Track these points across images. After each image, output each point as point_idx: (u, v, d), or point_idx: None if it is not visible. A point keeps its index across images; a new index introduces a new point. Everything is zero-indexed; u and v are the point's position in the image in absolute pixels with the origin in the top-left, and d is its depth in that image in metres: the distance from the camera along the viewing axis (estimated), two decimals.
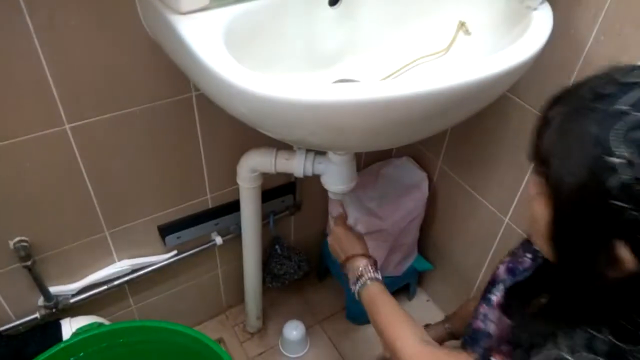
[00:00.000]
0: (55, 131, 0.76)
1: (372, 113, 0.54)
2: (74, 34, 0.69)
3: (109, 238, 0.96)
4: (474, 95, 0.58)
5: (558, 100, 0.43)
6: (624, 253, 0.40)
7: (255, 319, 1.29)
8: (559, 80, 0.82)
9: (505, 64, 0.58)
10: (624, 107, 0.37)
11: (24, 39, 0.66)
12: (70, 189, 0.84)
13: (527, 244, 0.70)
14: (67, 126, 0.77)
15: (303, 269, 1.28)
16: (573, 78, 0.80)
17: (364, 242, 0.86)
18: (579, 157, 0.39)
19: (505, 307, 0.67)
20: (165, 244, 1.04)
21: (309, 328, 1.28)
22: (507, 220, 1.05)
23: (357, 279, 0.79)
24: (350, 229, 0.89)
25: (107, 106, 0.79)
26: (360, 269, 0.79)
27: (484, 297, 0.71)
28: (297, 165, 0.86)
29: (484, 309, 0.70)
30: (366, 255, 0.83)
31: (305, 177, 0.88)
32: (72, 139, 0.79)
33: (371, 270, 0.79)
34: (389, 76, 0.79)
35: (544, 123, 0.44)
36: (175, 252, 1.08)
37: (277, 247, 1.24)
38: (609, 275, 0.43)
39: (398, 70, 0.79)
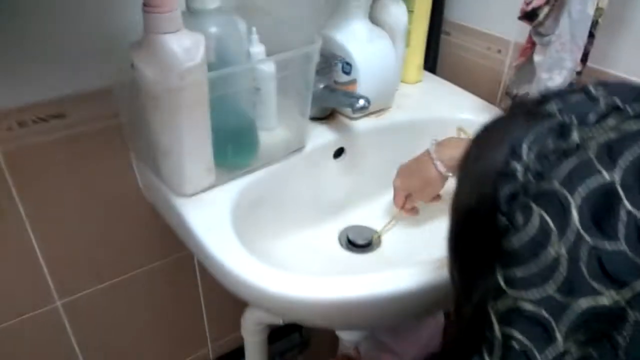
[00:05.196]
0: (45, 310, 0.70)
1: (383, 307, 0.50)
2: (67, 213, 0.65)
3: None
4: None
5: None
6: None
7: None
8: None
9: None
10: (552, 109, 0.32)
11: (15, 226, 0.62)
12: None
13: None
14: (58, 303, 0.71)
15: None
16: None
17: None
18: (487, 160, 0.33)
19: None
20: None
21: None
22: None
23: None
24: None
25: (103, 275, 0.74)
26: None
27: None
28: None
29: None
30: None
31: None
32: (63, 315, 0.72)
33: None
34: (393, 218, 0.76)
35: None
36: None
37: None
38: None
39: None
